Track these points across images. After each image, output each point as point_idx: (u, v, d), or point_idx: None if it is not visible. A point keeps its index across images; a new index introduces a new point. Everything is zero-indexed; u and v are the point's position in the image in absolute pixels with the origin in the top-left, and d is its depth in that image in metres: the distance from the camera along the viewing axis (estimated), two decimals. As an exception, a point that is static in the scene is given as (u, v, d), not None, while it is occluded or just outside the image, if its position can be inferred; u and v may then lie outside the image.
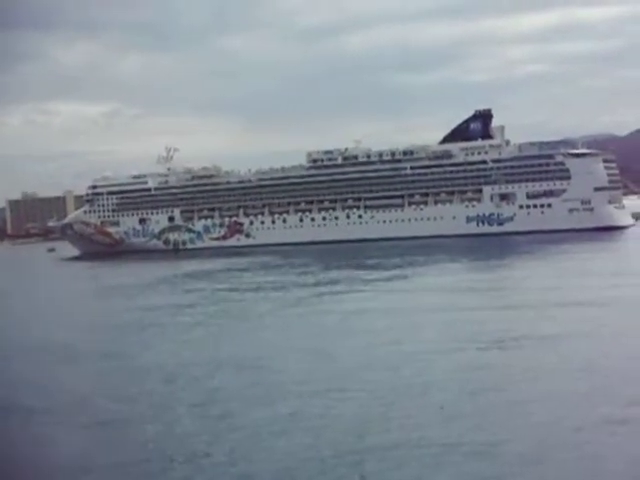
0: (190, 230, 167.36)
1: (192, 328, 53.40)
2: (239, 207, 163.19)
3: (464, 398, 30.86)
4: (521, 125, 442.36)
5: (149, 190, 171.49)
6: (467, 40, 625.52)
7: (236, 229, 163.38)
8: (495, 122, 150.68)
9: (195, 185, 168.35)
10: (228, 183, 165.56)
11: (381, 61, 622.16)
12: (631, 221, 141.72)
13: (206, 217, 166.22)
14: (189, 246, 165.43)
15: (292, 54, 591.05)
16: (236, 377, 37.18)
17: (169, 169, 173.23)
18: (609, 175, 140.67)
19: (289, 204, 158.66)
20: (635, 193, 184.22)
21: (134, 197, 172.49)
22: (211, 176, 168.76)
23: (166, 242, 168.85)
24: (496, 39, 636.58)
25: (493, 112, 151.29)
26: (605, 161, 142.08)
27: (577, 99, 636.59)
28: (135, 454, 26.63)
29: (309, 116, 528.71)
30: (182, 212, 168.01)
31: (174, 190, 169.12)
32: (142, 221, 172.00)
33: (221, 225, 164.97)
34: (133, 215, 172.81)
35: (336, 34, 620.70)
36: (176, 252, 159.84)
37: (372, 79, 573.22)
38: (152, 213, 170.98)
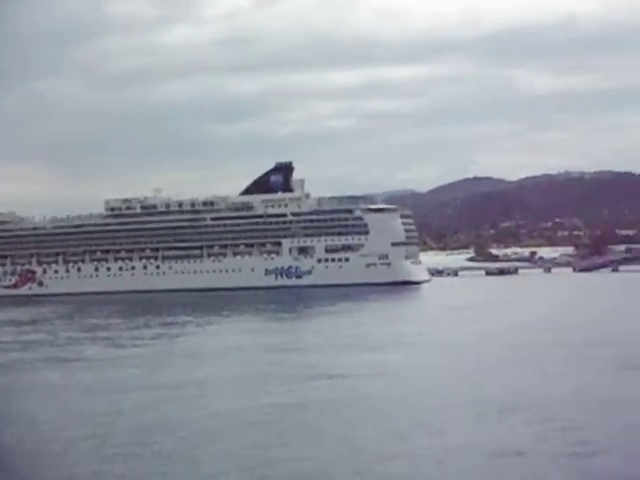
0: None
1: None
2: (32, 255, 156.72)
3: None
4: (324, 179, 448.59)
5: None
6: (275, 93, 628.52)
7: (28, 277, 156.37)
8: (297, 175, 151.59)
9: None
10: (22, 230, 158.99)
11: (190, 110, 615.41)
12: (427, 276, 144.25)
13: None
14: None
15: (100, 99, 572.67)
16: None
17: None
18: (407, 230, 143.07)
19: (85, 252, 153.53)
20: (433, 249, 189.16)
21: None
22: (3, 222, 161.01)
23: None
24: (303, 93, 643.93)
25: (296, 165, 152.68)
26: (403, 217, 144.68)
27: (380, 155, 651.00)
28: None
29: (114, 163, 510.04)
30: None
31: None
32: None
33: (12, 273, 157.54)
34: None
35: (147, 81, 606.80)
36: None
37: (180, 128, 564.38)
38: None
